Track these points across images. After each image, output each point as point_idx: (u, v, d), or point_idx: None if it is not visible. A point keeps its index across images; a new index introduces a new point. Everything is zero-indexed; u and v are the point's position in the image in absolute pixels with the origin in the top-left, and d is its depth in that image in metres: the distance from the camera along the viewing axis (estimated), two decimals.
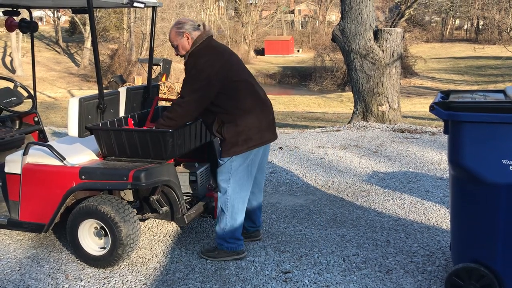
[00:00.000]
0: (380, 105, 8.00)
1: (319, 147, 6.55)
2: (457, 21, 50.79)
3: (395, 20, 22.89)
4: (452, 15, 44.73)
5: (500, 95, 2.84)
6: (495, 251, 2.63)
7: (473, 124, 2.55)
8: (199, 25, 3.36)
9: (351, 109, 10.07)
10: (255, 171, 3.40)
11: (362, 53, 7.95)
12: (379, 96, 8.03)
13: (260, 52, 43.45)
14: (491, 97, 2.81)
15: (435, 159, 5.83)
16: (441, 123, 8.05)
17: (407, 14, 23.31)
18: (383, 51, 7.93)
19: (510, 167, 2.51)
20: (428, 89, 24.18)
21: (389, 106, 8.05)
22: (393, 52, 7.95)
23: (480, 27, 43.81)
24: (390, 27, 19.37)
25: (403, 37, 8.60)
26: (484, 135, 2.54)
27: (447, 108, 2.62)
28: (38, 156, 3.48)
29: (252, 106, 3.27)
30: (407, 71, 27.54)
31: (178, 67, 29.78)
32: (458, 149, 2.64)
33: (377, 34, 8.01)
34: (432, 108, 2.69)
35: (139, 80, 19.91)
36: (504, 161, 2.52)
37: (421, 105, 17.95)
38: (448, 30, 48.37)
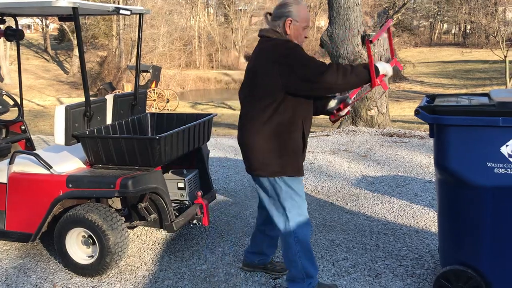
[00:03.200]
0: (369, 110, 8.05)
1: (309, 151, 6.56)
2: (445, 26, 51.28)
3: (383, 25, 23.12)
4: (439, 19, 45.19)
5: (484, 98, 2.87)
6: (481, 253, 2.64)
7: (458, 128, 2.57)
8: None
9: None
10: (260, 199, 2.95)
11: (350, 58, 8.00)
12: (367, 100, 8.07)
13: (250, 58, 43.47)
14: (476, 100, 2.84)
15: (424, 162, 5.87)
16: None
17: (395, 19, 23.50)
18: None
19: (495, 170, 2.53)
20: (417, 93, 24.34)
21: (378, 110, 8.10)
22: (380, 57, 8.01)
23: (468, 31, 44.27)
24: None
25: None
26: (468, 138, 2.56)
27: (432, 112, 2.64)
28: (24, 165, 3.45)
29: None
30: (396, 75, 27.71)
31: (168, 73, 29.75)
32: (443, 153, 2.66)
33: (364, 39, 8.06)
34: (417, 112, 2.71)
35: (129, 87, 19.82)
36: (489, 164, 2.54)
37: (410, 109, 18.06)
38: (436, 35, 48.81)
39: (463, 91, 22.81)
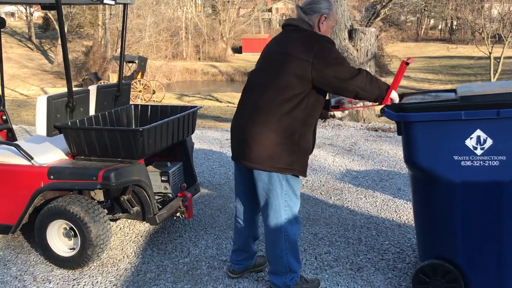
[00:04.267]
0: (354, 104, 8.08)
1: None
2: (432, 21, 51.66)
3: (371, 19, 23.11)
4: (427, 15, 45.48)
5: (451, 94, 2.91)
6: (456, 246, 2.69)
7: (423, 124, 2.61)
8: None
9: None
10: (240, 191, 2.96)
11: None
12: None
13: (237, 50, 43.39)
14: (443, 96, 2.88)
15: None
16: None
17: (382, 13, 23.55)
18: (357, 50, 8.01)
19: (462, 163, 2.58)
20: (404, 88, 24.52)
21: (363, 104, 8.14)
22: (367, 52, 8.04)
23: (454, 27, 44.65)
24: (366, 26, 19.56)
25: (377, 36, 8.70)
26: (434, 134, 2.60)
27: (397, 110, 2.68)
28: (5, 156, 3.40)
29: (236, 110, 2.88)
30: (383, 70, 27.88)
31: (154, 64, 29.51)
32: (411, 149, 2.69)
33: (351, 33, 8.08)
34: (383, 111, 2.75)
35: (114, 77, 19.65)
36: (455, 157, 2.58)
37: None
38: (423, 30, 49.16)
39: (448, 86, 23.02)
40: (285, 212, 2.72)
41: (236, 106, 2.89)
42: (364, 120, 8.12)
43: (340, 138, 7.02)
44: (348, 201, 4.50)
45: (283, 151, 2.60)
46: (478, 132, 2.52)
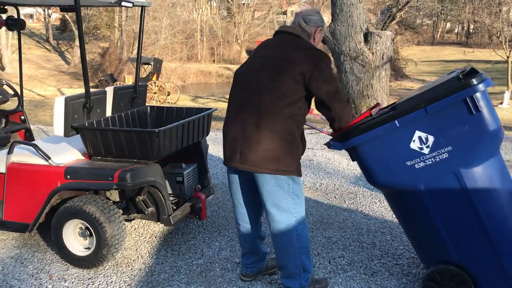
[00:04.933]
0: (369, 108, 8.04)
1: (308, 148, 6.56)
2: (448, 25, 51.15)
3: (386, 22, 22.97)
4: (443, 18, 45.05)
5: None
6: (447, 247, 2.70)
7: (367, 143, 2.69)
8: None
9: None
10: (241, 194, 2.95)
11: (352, 56, 7.98)
12: (368, 98, 8.06)
13: (251, 52, 43.42)
14: (383, 111, 2.90)
15: None
16: None
17: (398, 16, 23.40)
18: (373, 53, 7.96)
19: (416, 166, 2.63)
20: None
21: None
22: (383, 55, 7.99)
23: (471, 30, 44.17)
24: (381, 29, 19.45)
25: (393, 40, 8.64)
26: (380, 149, 2.68)
27: (341, 139, 2.75)
28: (23, 155, 3.45)
29: (229, 113, 2.83)
30: (398, 73, 27.67)
31: (169, 66, 29.68)
32: (368, 171, 2.77)
33: (367, 36, 8.04)
34: (328, 145, 2.84)
35: (130, 79, 19.79)
36: (408, 163, 2.64)
37: None
38: (439, 33, 48.69)
39: None
40: (295, 212, 2.75)
41: (227, 108, 2.85)
42: None
43: None
44: (363, 205, 4.48)
45: (287, 154, 2.65)
46: (418, 133, 2.60)
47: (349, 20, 7.94)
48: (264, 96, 2.64)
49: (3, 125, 4.47)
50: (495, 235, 2.60)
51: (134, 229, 3.96)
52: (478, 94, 2.45)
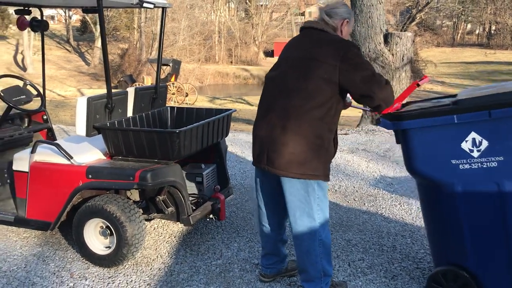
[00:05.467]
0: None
1: None
2: (469, 26, 50.45)
3: (406, 24, 22.77)
4: (463, 19, 44.46)
5: (452, 99, 2.86)
6: (466, 251, 2.66)
7: (418, 130, 2.63)
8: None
9: (359, 112, 10.03)
10: (265, 195, 2.94)
11: (372, 57, 7.91)
12: None
13: (269, 54, 43.42)
14: (442, 102, 2.85)
15: None
16: None
17: (418, 18, 23.18)
18: (393, 55, 7.89)
19: (460, 166, 2.59)
20: (438, 93, 24.00)
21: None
22: (403, 56, 7.91)
23: (492, 32, 43.47)
24: (401, 30, 19.27)
25: (413, 41, 8.55)
26: (430, 140, 2.61)
27: (392, 118, 2.67)
28: (45, 155, 3.50)
29: (259, 113, 2.81)
30: (417, 75, 27.31)
31: (187, 67, 29.85)
32: (410, 157, 2.71)
33: (387, 37, 7.98)
34: (378, 121, 2.75)
35: (149, 80, 19.97)
36: (453, 162, 2.59)
37: None
38: (459, 35, 48.04)
39: None
40: (318, 217, 2.71)
41: (258, 110, 2.83)
42: None
43: (374, 143, 6.93)
44: (382, 208, 4.43)
45: (313, 158, 2.59)
46: (473, 134, 2.53)
47: (369, 21, 7.89)
48: (292, 98, 2.59)
49: (26, 125, 4.54)
50: None
51: (154, 229, 3.99)
52: None
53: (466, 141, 2.55)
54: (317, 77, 2.55)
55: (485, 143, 2.52)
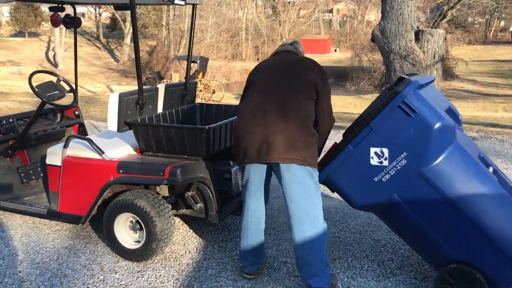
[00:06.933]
0: None
1: None
2: (502, 23, 49.12)
3: (437, 21, 22.32)
4: (497, 16, 43.31)
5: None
6: (443, 247, 2.73)
7: (334, 173, 2.91)
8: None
9: None
10: (256, 191, 2.98)
11: (402, 54, 7.78)
12: None
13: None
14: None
15: None
16: (483, 127, 7.79)
17: (449, 15, 22.70)
18: (424, 52, 7.74)
19: (383, 179, 2.74)
20: (469, 92, 23.47)
21: None
22: (434, 54, 7.75)
23: None
24: (431, 28, 18.90)
25: (445, 38, 8.37)
26: (346, 175, 2.87)
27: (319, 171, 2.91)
28: (78, 149, 3.56)
29: (246, 112, 2.84)
30: (448, 73, 26.80)
31: (214, 64, 30.00)
32: (345, 197, 2.96)
33: (418, 35, 7.82)
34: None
35: (176, 77, 20.14)
36: (375, 179, 2.76)
37: (462, 109, 17.45)
38: (492, 32, 46.83)
39: None
40: (319, 204, 2.80)
41: (242, 110, 2.86)
42: None
43: None
44: None
45: (311, 145, 2.74)
46: (372, 149, 2.74)
47: (400, 18, 7.75)
48: (287, 92, 2.78)
49: (59, 120, 4.63)
50: (481, 222, 2.60)
51: (182, 225, 4.01)
52: (408, 97, 2.60)
53: (372, 158, 2.75)
54: (309, 79, 2.82)
55: (385, 150, 2.71)
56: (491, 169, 2.79)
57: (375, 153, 2.73)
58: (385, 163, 2.72)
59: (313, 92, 2.80)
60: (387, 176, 2.73)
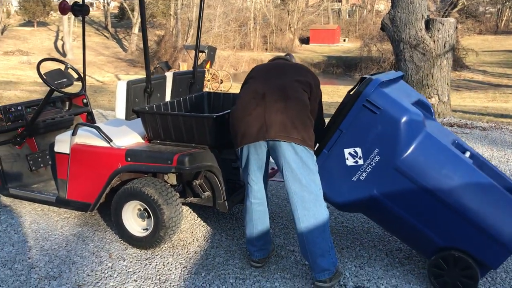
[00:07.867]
0: (429, 98, 7.75)
1: None
2: None
3: (447, 10, 22.07)
4: (508, 6, 42.72)
5: None
6: (428, 235, 2.77)
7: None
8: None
9: None
10: (258, 172, 2.99)
11: (413, 43, 7.70)
12: (428, 88, 7.77)
13: (305, 41, 43.04)
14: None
15: (486, 155, 5.59)
16: (493, 118, 7.71)
17: (460, 4, 22.43)
18: (434, 41, 7.65)
19: (361, 177, 2.80)
20: (479, 83, 23.24)
21: (439, 98, 7.78)
22: (445, 43, 7.66)
23: None
24: (442, 17, 18.67)
25: (456, 27, 8.27)
26: (326, 179, 2.92)
27: None
28: (86, 137, 3.57)
29: (246, 99, 2.87)
30: (458, 63, 26.53)
31: (222, 54, 29.92)
32: (330, 201, 2.98)
33: (428, 24, 7.74)
34: None
35: (184, 66, 20.11)
36: (354, 179, 2.83)
37: (471, 100, 17.31)
38: (503, 22, 46.22)
39: None
40: (320, 184, 2.82)
41: (240, 101, 2.88)
42: (439, 115, 7.78)
43: None
44: None
45: (310, 126, 2.78)
46: (346, 151, 2.82)
47: (410, 7, 7.66)
48: (284, 79, 2.87)
49: (67, 108, 4.64)
50: (460, 206, 2.63)
51: (190, 213, 4.02)
52: (371, 96, 2.69)
53: (347, 159, 2.83)
54: (307, 75, 2.96)
55: (358, 150, 2.79)
56: (468, 154, 2.84)
57: (349, 153, 2.82)
58: (360, 162, 2.79)
59: (308, 89, 2.90)
60: (364, 174, 2.80)
